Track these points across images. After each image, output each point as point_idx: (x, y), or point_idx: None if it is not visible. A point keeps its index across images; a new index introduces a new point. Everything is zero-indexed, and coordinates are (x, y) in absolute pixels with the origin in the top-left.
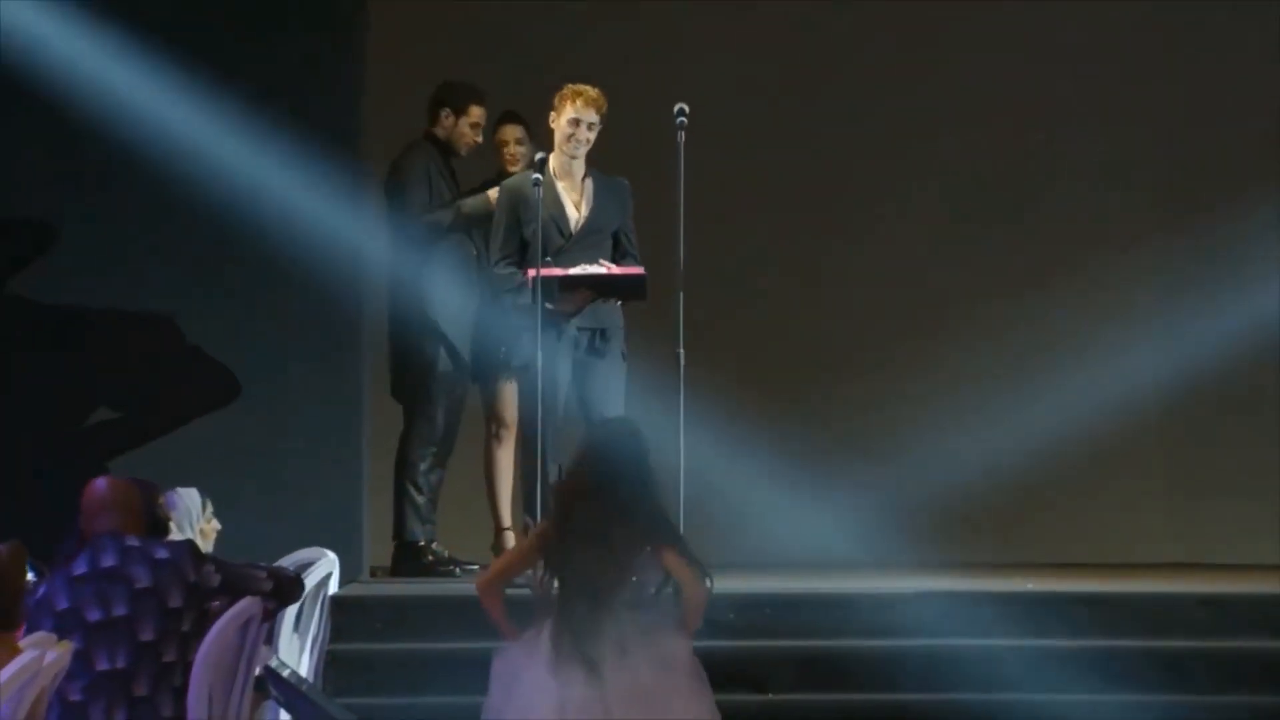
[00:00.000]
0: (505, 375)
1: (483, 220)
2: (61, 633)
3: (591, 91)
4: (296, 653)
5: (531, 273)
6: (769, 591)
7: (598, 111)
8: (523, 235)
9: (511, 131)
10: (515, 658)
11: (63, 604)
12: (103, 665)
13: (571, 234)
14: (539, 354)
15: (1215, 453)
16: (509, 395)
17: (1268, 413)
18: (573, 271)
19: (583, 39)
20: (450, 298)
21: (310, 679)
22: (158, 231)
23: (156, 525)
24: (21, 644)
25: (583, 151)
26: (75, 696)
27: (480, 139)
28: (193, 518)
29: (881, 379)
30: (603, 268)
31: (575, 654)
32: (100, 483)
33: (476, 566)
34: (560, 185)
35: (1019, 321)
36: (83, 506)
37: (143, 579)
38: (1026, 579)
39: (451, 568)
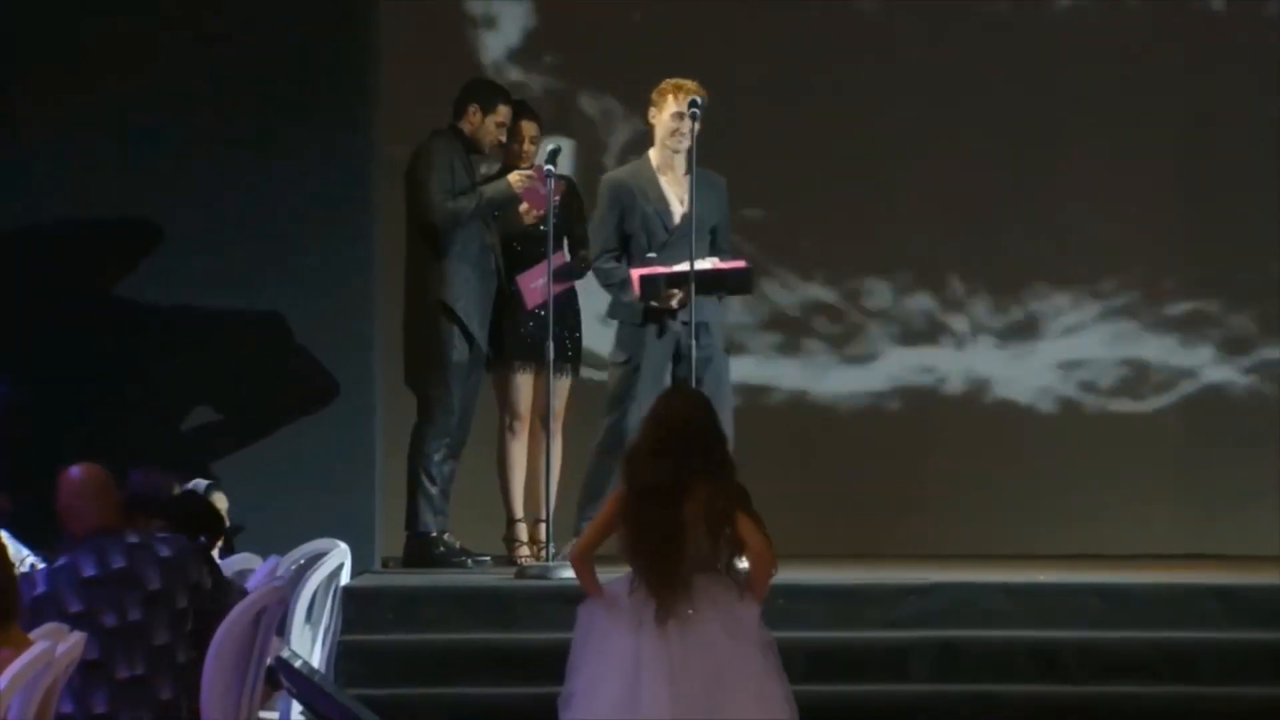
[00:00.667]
0: (520, 366)
1: (504, 206)
2: None
3: (691, 84)
4: (308, 643)
5: (636, 272)
6: (780, 583)
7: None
8: (624, 229)
9: (528, 128)
10: (596, 609)
11: (75, 606)
12: (123, 674)
13: (674, 229)
14: (550, 346)
15: (1227, 444)
16: (524, 386)
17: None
18: (678, 268)
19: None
20: (468, 286)
21: (322, 670)
22: (165, 225)
23: (205, 523)
24: (32, 635)
25: (685, 146)
26: (100, 709)
27: (504, 138)
28: None
29: (887, 373)
30: (708, 263)
31: (648, 608)
32: (76, 471)
33: (488, 558)
34: (663, 180)
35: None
36: (64, 497)
37: (154, 581)
38: (1038, 570)
39: (463, 559)
